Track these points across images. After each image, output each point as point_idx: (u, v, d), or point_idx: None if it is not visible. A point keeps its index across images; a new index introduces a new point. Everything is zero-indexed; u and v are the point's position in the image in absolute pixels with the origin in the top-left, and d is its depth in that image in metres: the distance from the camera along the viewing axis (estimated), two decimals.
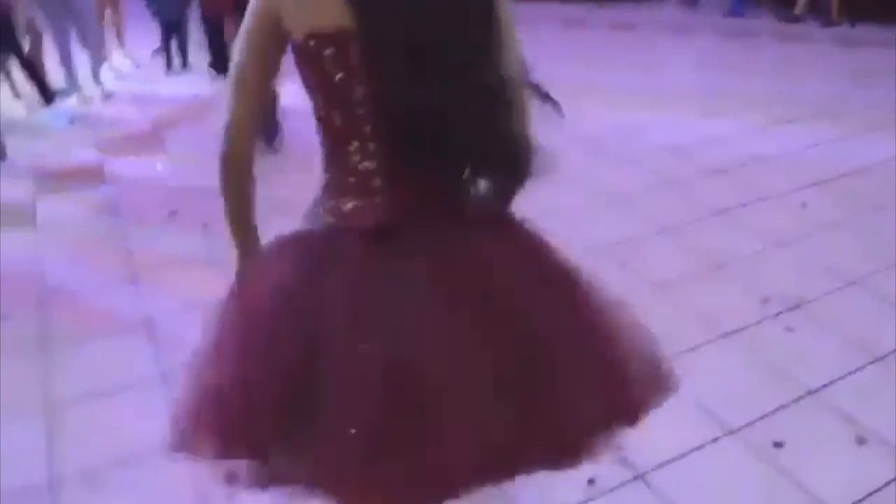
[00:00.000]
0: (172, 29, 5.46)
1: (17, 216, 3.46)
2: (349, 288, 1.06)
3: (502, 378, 1.06)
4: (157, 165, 3.99)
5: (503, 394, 1.06)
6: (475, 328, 1.06)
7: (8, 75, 4.90)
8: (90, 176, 3.91)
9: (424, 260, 1.07)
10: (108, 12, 5.54)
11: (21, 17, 4.62)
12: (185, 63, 5.57)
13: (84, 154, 4.21)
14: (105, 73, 5.33)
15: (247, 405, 1.05)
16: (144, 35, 5.81)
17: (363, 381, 1.02)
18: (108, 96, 5.12)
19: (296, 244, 1.14)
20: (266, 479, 1.08)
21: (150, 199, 3.61)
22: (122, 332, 2.54)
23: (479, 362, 1.05)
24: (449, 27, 1.00)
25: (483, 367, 1.05)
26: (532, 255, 1.17)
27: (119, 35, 5.77)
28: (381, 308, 1.04)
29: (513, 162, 1.09)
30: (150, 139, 4.40)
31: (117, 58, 5.74)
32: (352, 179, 1.10)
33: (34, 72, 4.69)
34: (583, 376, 1.12)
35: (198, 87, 5.15)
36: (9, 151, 4.19)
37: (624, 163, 3.93)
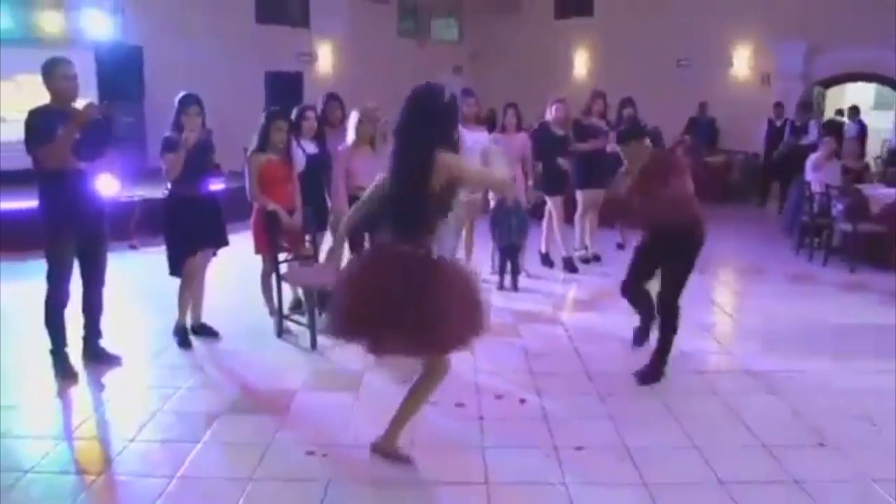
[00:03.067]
0: (509, 254, 6.65)
1: (347, 382, 4.60)
2: (377, 266, 3.32)
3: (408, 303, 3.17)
4: None
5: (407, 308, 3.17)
6: (400, 282, 3.18)
7: None
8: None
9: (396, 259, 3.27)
10: (464, 232, 6.96)
11: None
12: (515, 286, 6.66)
13: None
14: None
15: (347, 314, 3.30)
16: (485, 257, 7.14)
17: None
18: None
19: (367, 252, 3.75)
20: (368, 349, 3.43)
21: (445, 390, 4.48)
22: None
23: (402, 295, 3.17)
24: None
25: (402, 297, 3.17)
26: (430, 262, 3.28)
27: (468, 254, 7.13)
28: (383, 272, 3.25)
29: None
30: None
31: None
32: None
33: None
34: (444, 311, 3.21)
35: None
36: None
37: None
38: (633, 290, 4.96)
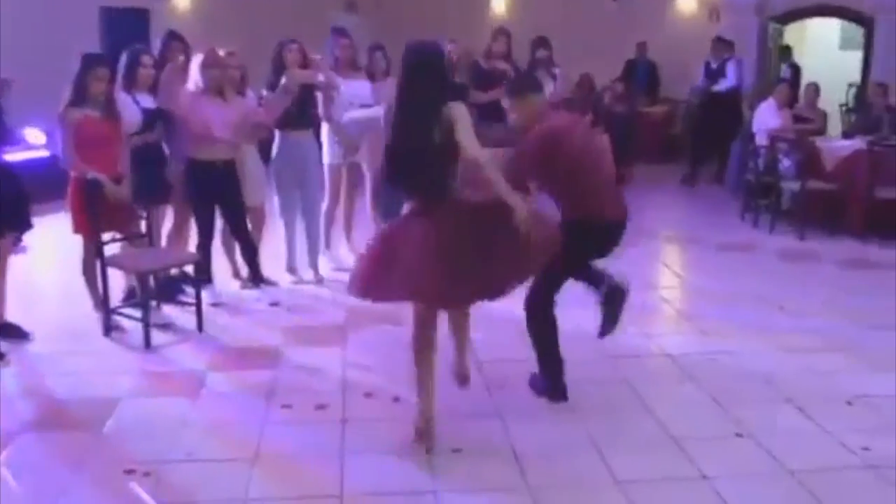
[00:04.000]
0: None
1: (183, 387, 4.63)
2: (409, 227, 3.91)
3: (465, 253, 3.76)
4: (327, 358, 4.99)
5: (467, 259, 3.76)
6: (447, 236, 3.76)
7: (230, 255, 6.40)
8: (264, 359, 4.99)
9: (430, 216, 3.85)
10: (340, 207, 7.02)
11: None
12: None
13: (269, 337, 5.37)
14: (323, 261, 6.71)
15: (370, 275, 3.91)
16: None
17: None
18: (319, 281, 6.57)
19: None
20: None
21: (306, 389, 4.54)
22: None
23: (449, 247, 3.75)
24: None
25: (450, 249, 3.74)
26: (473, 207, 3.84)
27: (348, 229, 7.18)
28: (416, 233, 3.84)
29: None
30: (332, 334, 5.45)
31: (343, 250, 7.12)
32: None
33: (252, 254, 6.12)
34: (505, 258, 3.83)
35: None
36: (206, 325, 5.48)
37: None
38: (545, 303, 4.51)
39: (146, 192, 5.61)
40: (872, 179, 8.03)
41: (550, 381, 4.50)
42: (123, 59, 5.82)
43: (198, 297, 5.55)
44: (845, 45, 15.34)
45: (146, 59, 5.89)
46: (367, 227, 6.73)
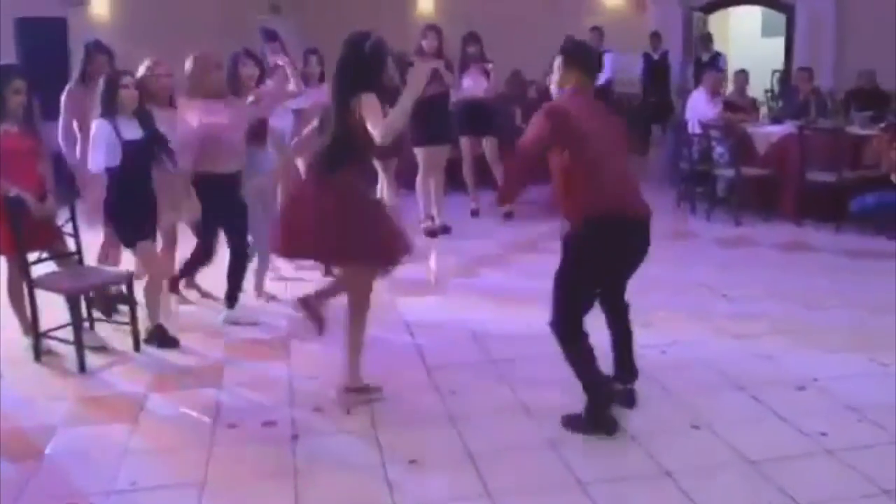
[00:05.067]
0: None
1: (122, 411, 4.45)
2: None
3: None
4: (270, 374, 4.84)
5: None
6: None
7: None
8: (206, 377, 4.82)
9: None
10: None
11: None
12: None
13: (209, 354, 5.19)
14: (269, 276, 6.50)
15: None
16: None
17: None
18: (270, 298, 6.30)
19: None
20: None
21: (252, 406, 4.39)
22: None
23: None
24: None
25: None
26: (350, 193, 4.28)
27: None
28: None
29: None
30: (275, 347, 5.29)
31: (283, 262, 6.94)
32: None
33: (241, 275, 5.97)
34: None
35: None
36: (143, 345, 5.31)
37: None
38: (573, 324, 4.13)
39: (133, 230, 5.31)
40: (804, 163, 8.13)
41: (595, 410, 4.07)
42: (100, 84, 5.22)
43: (132, 316, 5.33)
44: (767, 32, 15.63)
45: (127, 80, 5.23)
46: None
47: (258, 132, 5.95)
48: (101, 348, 5.32)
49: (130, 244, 5.40)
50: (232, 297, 5.83)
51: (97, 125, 5.16)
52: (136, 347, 5.31)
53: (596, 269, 4.08)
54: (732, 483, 3.63)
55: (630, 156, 4.35)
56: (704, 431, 4.07)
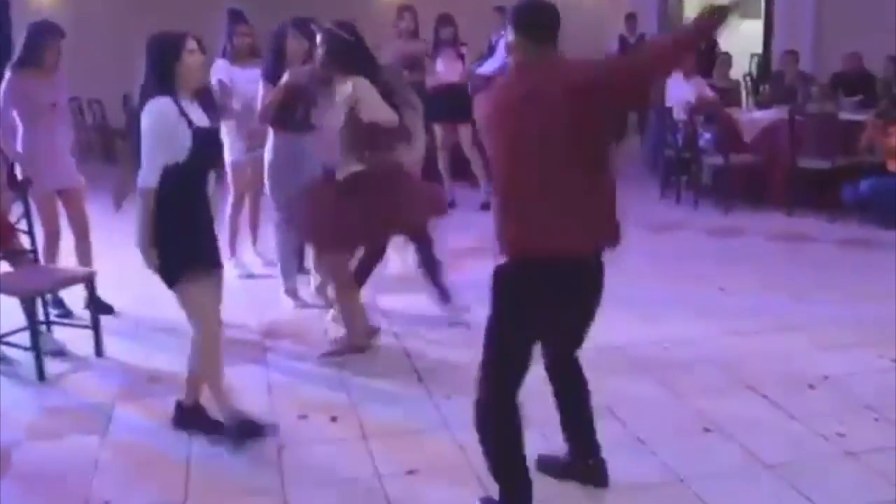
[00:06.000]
0: None
1: (89, 422, 4.27)
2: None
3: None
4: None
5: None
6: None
7: None
8: (178, 383, 4.61)
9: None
10: (246, 210, 6.64)
11: None
12: (301, 267, 6.39)
13: (178, 358, 4.98)
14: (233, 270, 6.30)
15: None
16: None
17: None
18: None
19: None
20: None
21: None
22: None
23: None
24: None
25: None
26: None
27: (254, 230, 6.82)
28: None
29: None
30: (250, 350, 5.13)
31: (248, 256, 6.76)
32: None
33: None
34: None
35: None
36: (105, 349, 5.10)
37: None
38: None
39: (189, 259, 3.87)
40: (794, 150, 8.11)
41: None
42: (153, 46, 3.88)
43: (95, 317, 5.13)
44: (745, 14, 15.65)
45: (193, 44, 3.86)
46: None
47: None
48: (61, 353, 5.11)
49: (175, 281, 3.86)
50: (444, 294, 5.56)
51: (161, 107, 3.71)
52: (98, 352, 5.11)
53: (525, 325, 3.16)
54: (752, 489, 3.56)
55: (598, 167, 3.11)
56: (716, 434, 4.00)
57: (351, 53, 4.73)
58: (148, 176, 3.69)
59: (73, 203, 5.66)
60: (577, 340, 3.41)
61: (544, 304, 3.10)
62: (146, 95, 3.75)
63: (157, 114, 3.69)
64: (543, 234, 3.02)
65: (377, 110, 4.64)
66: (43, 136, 5.42)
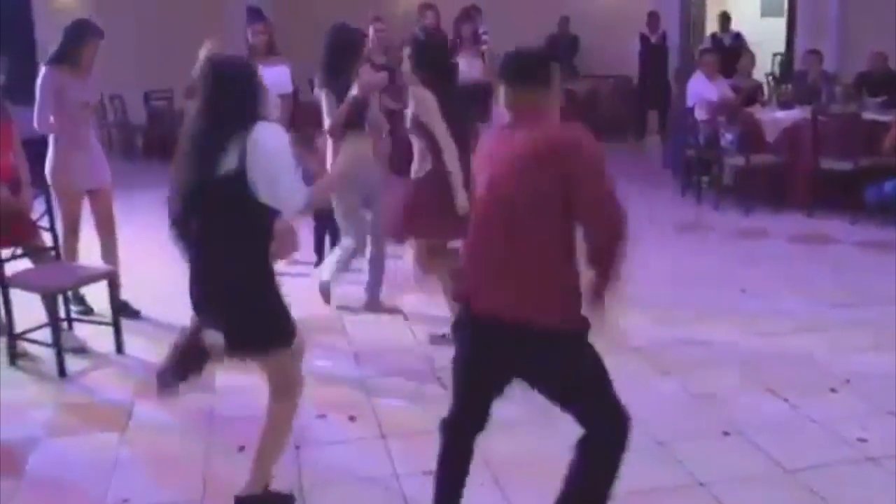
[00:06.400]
0: (329, 226, 6.41)
1: (109, 419, 4.30)
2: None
3: None
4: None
5: None
6: None
7: None
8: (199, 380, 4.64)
9: None
10: None
11: None
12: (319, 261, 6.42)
13: None
14: None
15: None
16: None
17: None
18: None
19: None
20: None
21: (250, 412, 4.23)
22: None
23: None
24: None
25: None
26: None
27: None
28: None
29: None
30: None
31: None
32: None
33: None
34: None
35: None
36: (125, 346, 5.15)
37: None
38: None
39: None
40: (817, 150, 8.05)
41: None
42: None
43: (115, 314, 5.16)
44: (767, 11, 15.57)
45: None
46: None
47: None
48: (81, 350, 5.15)
49: (288, 341, 3.30)
50: None
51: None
52: (119, 349, 5.14)
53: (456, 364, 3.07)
54: (772, 494, 3.54)
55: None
56: (736, 437, 3.98)
57: (437, 62, 4.93)
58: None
59: (100, 202, 5.66)
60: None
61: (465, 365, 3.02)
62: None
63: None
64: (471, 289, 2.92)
65: (436, 124, 4.79)
66: (74, 135, 5.45)
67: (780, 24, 14.00)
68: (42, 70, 5.41)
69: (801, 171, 8.29)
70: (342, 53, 5.42)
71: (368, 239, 5.60)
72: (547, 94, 2.86)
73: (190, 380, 3.36)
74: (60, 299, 5.20)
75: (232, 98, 3.07)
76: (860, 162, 7.83)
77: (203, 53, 5.28)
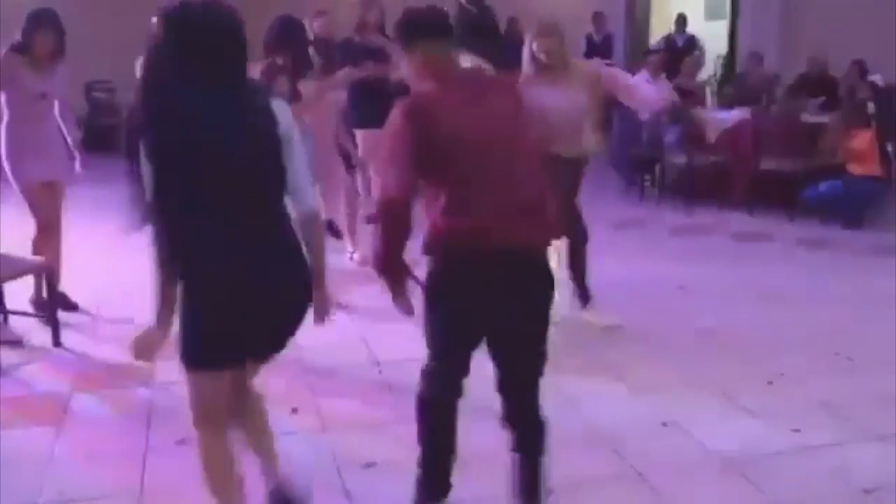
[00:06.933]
0: None
1: (44, 413, 4.23)
2: None
3: None
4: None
5: None
6: None
7: None
8: (138, 374, 4.58)
9: None
10: None
11: None
12: None
13: None
14: None
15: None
16: None
17: None
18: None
19: None
20: None
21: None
22: None
23: None
24: None
25: None
26: None
27: None
28: None
29: None
30: None
31: None
32: None
33: None
34: None
35: None
36: (63, 339, 5.08)
37: None
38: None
39: None
40: (757, 151, 8.22)
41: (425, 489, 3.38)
42: None
43: (52, 306, 5.08)
44: (711, 14, 15.80)
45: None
46: None
47: None
48: (17, 343, 5.06)
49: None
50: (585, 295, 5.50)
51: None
52: (56, 342, 5.07)
53: (450, 317, 3.07)
54: (708, 483, 3.61)
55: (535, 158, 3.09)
56: (673, 428, 4.05)
57: (479, 32, 4.72)
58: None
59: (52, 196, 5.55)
60: (522, 367, 3.17)
61: (469, 299, 2.98)
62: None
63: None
64: (479, 223, 2.93)
65: None
66: (29, 127, 5.30)
67: (723, 26, 14.23)
68: None
69: (741, 170, 8.46)
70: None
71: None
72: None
73: None
74: None
75: None
76: (799, 163, 8.02)
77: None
